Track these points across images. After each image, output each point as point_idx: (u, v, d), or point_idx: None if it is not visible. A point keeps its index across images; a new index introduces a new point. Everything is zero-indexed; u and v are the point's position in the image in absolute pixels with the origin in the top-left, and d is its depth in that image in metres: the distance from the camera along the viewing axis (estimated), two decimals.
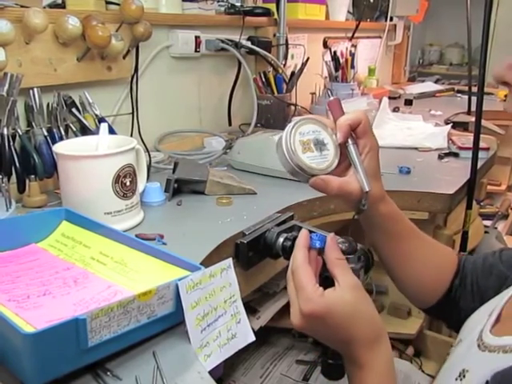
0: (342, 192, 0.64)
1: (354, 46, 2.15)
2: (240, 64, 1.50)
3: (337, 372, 0.69)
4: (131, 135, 1.17)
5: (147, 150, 1.14)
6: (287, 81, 1.58)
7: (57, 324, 0.48)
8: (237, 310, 0.63)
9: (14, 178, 0.92)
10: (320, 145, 0.64)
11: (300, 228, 0.78)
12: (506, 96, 0.61)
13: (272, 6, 1.67)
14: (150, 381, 0.52)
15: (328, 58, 1.91)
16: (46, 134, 0.97)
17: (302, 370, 1.11)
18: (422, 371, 1.12)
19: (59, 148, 0.83)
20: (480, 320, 0.58)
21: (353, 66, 1.91)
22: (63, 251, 0.72)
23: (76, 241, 0.74)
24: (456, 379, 0.52)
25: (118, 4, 1.14)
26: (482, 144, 1.29)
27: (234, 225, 0.85)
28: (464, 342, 0.59)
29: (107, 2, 1.16)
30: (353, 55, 1.92)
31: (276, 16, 1.67)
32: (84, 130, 1.04)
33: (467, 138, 1.44)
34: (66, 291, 0.61)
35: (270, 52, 1.59)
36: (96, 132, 0.95)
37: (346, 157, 0.66)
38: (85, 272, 0.66)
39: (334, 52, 1.90)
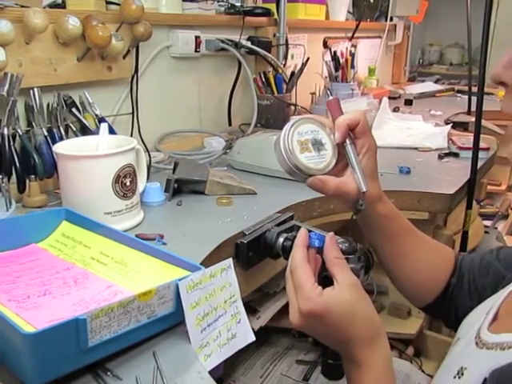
0: (340, 192, 0.64)
1: (354, 45, 2.15)
2: (240, 64, 1.50)
3: (337, 372, 0.69)
4: (131, 135, 1.17)
5: (147, 150, 1.14)
6: (287, 81, 1.58)
7: (57, 324, 0.48)
8: (237, 310, 0.63)
9: (14, 177, 0.92)
10: (318, 145, 0.64)
11: (300, 228, 0.78)
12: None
13: (272, 6, 1.67)
14: (150, 381, 0.52)
15: (328, 57, 1.91)
16: (46, 133, 0.97)
17: (302, 369, 1.11)
18: (422, 371, 1.12)
19: (59, 148, 0.83)
20: (477, 318, 0.59)
21: (353, 66, 1.91)
22: (63, 251, 0.72)
23: (76, 241, 0.74)
24: (454, 377, 0.52)
25: (118, 4, 1.14)
26: (482, 144, 1.29)
27: (234, 225, 0.85)
28: (462, 340, 0.59)
29: (107, 2, 1.16)
30: (353, 55, 1.92)
31: (276, 16, 1.67)
32: (84, 130, 1.04)
33: (467, 138, 1.44)
34: (66, 291, 0.61)
35: (269, 52, 1.60)
36: (96, 132, 0.95)
37: (343, 156, 0.66)
38: (85, 272, 0.66)
39: (334, 52, 1.90)
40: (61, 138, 0.99)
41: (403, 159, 1.34)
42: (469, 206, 1.22)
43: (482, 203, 2.26)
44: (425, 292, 0.76)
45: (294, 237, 0.63)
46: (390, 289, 1.26)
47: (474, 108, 1.55)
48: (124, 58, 1.17)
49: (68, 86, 1.06)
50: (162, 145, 1.33)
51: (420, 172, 1.23)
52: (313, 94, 1.83)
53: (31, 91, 0.96)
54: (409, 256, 0.73)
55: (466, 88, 2.38)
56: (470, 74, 2.15)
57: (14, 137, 0.92)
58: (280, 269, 0.93)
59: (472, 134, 1.23)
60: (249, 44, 1.53)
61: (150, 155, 1.11)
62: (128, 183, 0.83)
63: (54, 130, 0.99)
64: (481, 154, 1.25)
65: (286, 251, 0.78)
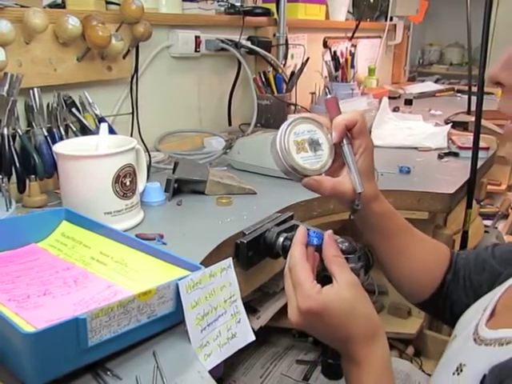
0: (336, 192, 0.64)
1: (354, 45, 2.15)
2: (240, 64, 1.50)
3: (337, 372, 0.69)
4: (131, 135, 1.17)
5: (147, 150, 1.14)
6: (287, 81, 1.58)
7: (57, 324, 0.48)
8: (237, 310, 0.63)
9: (14, 177, 0.92)
10: (315, 145, 0.64)
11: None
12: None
13: (272, 6, 1.67)
14: (150, 380, 0.52)
15: (328, 57, 1.91)
16: (46, 133, 0.97)
17: (302, 369, 1.11)
18: (423, 371, 1.12)
19: (59, 148, 0.83)
20: (475, 315, 0.59)
21: (353, 66, 1.91)
22: (63, 251, 0.72)
23: (76, 241, 0.74)
24: (453, 374, 0.52)
25: (118, 4, 1.14)
26: (481, 144, 1.29)
27: (234, 225, 0.85)
28: (459, 337, 0.59)
29: (107, 2, 1.16)
30: (353, 55, 1.92)
31: (276, 16, 1.67)
32: (84, 130, 1.04)
33: (467, 138, 1.44)
34: (66, 291, 0.61)
35: (269, 52, 1.60)
36: (96, 132, 0.95)
37: (340, 156, 0.65)
38: (85, 272, 0.66)
39: (334, 52, 1.90)
40: (61, 138, 0.99)
41: (403, 159, 1.34)
42: (469, 206, 1.22)
43: (482, 203, 2.26)
44: (421, 289, 0.76)
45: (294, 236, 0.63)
46: (390, 289, 1.26)
47: (473, 108, 1.54)
48: (124, 57, 1.17)
49: (68, 86, 1.06)
50: (161, 145, 1.33)
51: (420, 172, 1.23)
52: (313, 93, 1.83)
53: (31, 91, 0.96)
54: (405, 254, 0.73)
55: (466, 88, 2.38)
56: (470, 74, 2.15)
57: (13, 137, 0.92)
58: (280, 268, 0.93)
59: (472, 134, 1.23)
60: (249, 44, 1.53)
61: (149, 155, 1.11)
62: (128, 183, 0.83)
63: (54, 130, 0.99)
64: (481, 154, 1.25)
65: (286, 251, 0.78)
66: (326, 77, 1.92)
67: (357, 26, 2.23)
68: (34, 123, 0.96)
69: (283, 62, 1.68)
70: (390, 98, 2.09)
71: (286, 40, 1.69)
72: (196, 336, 0.57)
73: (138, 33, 1.14)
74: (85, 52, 1.06)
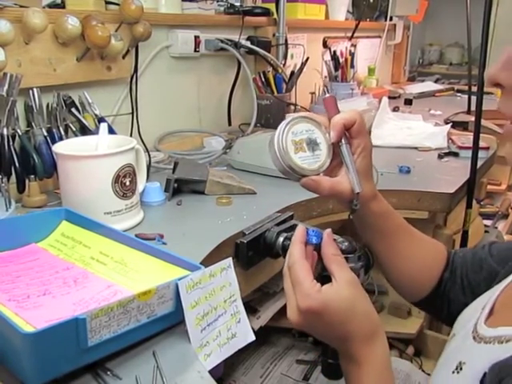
0: (334, 192, 0.64)
1: (354, 45, 2.15)
2: (239, 64, 1.50)
3: (337, 372, 0.69)
4: (131, 135, 1.17)
5: (147, 150, 1.14)
6: (287, 80, 1.58)
7: (56, 324, 0.48)
8: (237, 310, 0.63)
9: (13, 178, 0.92)
10: (313, 144, 0.64)
11: None
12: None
13: (271, 6, 1.67)
14: (150, 380, 0.52)
15: (328, 57, 1.91)
16: (45, 134, 0.97)
17: (302, 369, 1.11)
18: (423, 371, 1.12)
19: (59, 148, 0.83)
20: (473, 314, 0.59)
21: (352, 66, 1.91)
22: (63, 251, 0.72)
23: (76, 241, 0.74)
24: (453, 372, 0.52)
25: (117, 4, 1.14)
26: (481, 143, 1.29)
27: (234, 224, 0.85)
28: (458, 336, 0.59)
29: (107, 2, 1.16)
30: (352, 55, 1.92)
31: (275, 16, 1.67)
32: (84, 130, 1.04)
33: (467, 138, 1.44)
34: (66, 291, 0.61)
35: (269, 52, 1.59)
36: (96, 132, 0.95)
37: (338, 155, 0.65)
38: (85, 272, 0.66)
39: (334, 52, 1.90)
40: (60, 138, 0.99)
41: (403, 159, 1.34)
42: (469, 206, 1.22)
43: (482, 203, 2.26)
44: (418, 287, 0.76)
45: None
46: (390, 289, 1.25)
47: (473, 107, 1.54)
48: (123, 57, 1.17)
49: (67, 86, 1.06)
50: (161, 145, 1.33)
51: (420, 171, 1.23)
52: (312, 93, 1.83)
53: (31, 91, 0.96)
54: (403, 253, 0.73)
55: (466, 87, 2.38)
56: (470, 74, 2.15)
57: (13, 137, 0.92)
58: (280, 268, 0.92)
59: (472, 134, 1.23)
60: (248, 44, 1.53)
61: (149, 155, 1.11)
62: (128, 183, 0.83)
63: (54, 130, 0.99)
64: (480, 154, 1.25)
65: (286, 251, 0.77)
66: (325, 76, 1.92)
67: (356, 26, 2.23)
68: (33, 123, 0.96)
69: (283, 62, 1.68)
70: (389, 97, 2.09)
71: (286, 40, 1.69)
72: (196, 336, 0.57)
73: (137, 33, 1.14)
74: (84, 52, 1.06)
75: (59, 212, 0.78)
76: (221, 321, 0.61)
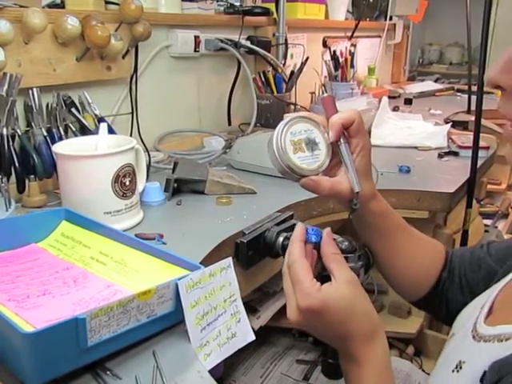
0: (334, 192, 0.64)
1: (354, 45, 2.15)
2: (239, 64, 1.50)
3: (337, 371, 0.69)
4: (131, 135, 1.17)
5: (147, 150, 1.14)
6: (287, 80, 1.58)
7: (56, 323, 0.48)
8: (236, 310, 0.63)
9: (13, 178, 0.92)
10: (312, 144, 0.64)
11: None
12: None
13: (271, 6, 1.67)
14: (150, 380, 0.52)
15: (327, 57, 1.91)
16: (45, 133, 0.97)
17: (302, 369, 1.11)
18: (423, 370, 1.12)
19: (59, 148, 0.83)
20: (472, 313, 0.59)
21: (352, 66, 1.91)
22: (63, 251, 0.72)
23: (76, 240, 0.74)
24: (453, 371, 0.52)
25: (117, 4, 1.13)
26: (481, 143, 1.29)
27: (234, 224, 0.85)
28: (457, 335, 0.59)
29: (106, 2, 1.16)
30: (352, 54, 1.92)
31: (275, 15, 1.67)
32: (83, 130, 1.04)
33: (467, 137, 1.44)
34: (66, 291, 0.61)
35: (269, 52, 1.59)
36: (95, 132, 0.95)
37: (337, 154, 0.65)
38: (84, 272, 0.66)
39: (334, 51, 1.90)
40: (60, 138, 0.99)
41: (403, 158, 1.34)
42: (469, 205, 1.22)
43: (482, 202, 2.26)
44: (417, 287, 0.76)
45: None
46: (390, 288, 1.25)
47: (473, 107, 1.54)
48: (123, 57, 1.17)
49: (67, 86, 1.06)
50: (161, 144, 1.33)
51: (420, 171, 1.23)
52: (312, 93, 1.83)
53: (30, 91, 0.96)
54: (401, 253, 0.73)
55: (466, 87, 2.38)
56: (470, 74, 2.15)
57: (13, 137, 0.92)
58: (280, 268, 0.92)
59: (472, 133, 1.23)
60: (248, 44, 1.53)
61: (149, 155, 1.11)
62: (127, 183, 0.83)
63: (54, 130, 0.99)
64: (480, 153, 1.25)
65: (286, 250, 0.78)
66: (325, 76, 1.92)
67: (356, 26, 2.23)
68: (33, 123, 0.96)
69: (283, 62, 1.68)
70: (389, 97, 2.09)
71: (286, 40, 1.69)
72: (196, 336, 0.57)
73: (137, 33, 1.14)
74: (84, 52, 1.06)
75: (59, 212, 0.78)
76: (221, 320, 0.61)
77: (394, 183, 1.11)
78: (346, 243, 0.66)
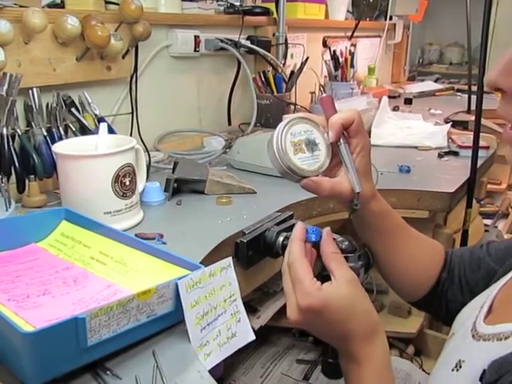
0: (334, 193, 0.64)
1: (354, 45, 2.15)
2: (239, 63, 1.50)
3: (337, 371, 0.69)
4: (131, 135, 1.17)
5: (147, 150, 1.14)
6: (287, 80, 1.58)
7: (56, 323, 0.48)
8: (237, 309, 0.63)
9: (13, 177, 0.92)
10: (312, 145, 0.63)
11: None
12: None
13: (271, 6, 1.67)
14: (150, 380, 0.52)
15: (327, 57, 1.91)
16: (45, 133, 0.97)
17: (302, 369, 1.11)
18: (423, 370, 1.12)
19: (59, 148, 0.83)
20: (472, 313, 0.59)
21: (352, 66, 1.91)
22: (63, 251, 0.72)
23: (76, 240, 0.74)
24: (452, 370, 0.52)
25: (117, 4, 1.13)
26: (481, 143, 1.29)
27: (234, 224, 0.85)
28: (457, 335, 0.59)
29: (106, 2, 1.16)
30: (352, 54, 1.92)
31: (275, 15, 1.67)
32: (83, 130, 1.04)
33: (467, 137, 1.44)
34: (66, 291, 0.61)
35: (269, 51, 1.59)
36: (95, 132, 0.95)
37: (337, 155, 0.65)
38: (84, 271, 0.66)
39: (334, 51, 1.90)
40: (60, 138, 0.99)
41: (403, 158, 1.34)
42: (469, 205, 1.22)
43: (482, 202, 2.26)
44: (416, 287, 0.76)
45: None
46: (391, 288, 1.26)
47: (473, 107, 1.54)
48: (123, 57, 1.17)
49: (67, 86, 1.06)
50: (161, 144, 1.33)
51: (420, 171, 1.23)
52: (312, 93, 1.83)
53: (30, 91, 0.96)
54: (401, 253, 0.73)
55: (466, 87, 2.38)
56: (470, 73, 2.15)
57: (13, 137, 0.92)
58: (280, 268, 0.92)
59: (472, 133, 1.23)
60: (248, 43, 1.53)
61: (149, 155, 1.11)
62: (127, 183, 0.83)
63: (54, 130, 0.99)
64: (480, 153, 1.25)
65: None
66: (325, 76, 1.92)
67: (356, 26, 2.23)
68: (33, 123, 0.96)
69: (283, 62, 1.68)
70: (389, 97, 2.09)
71: (286, 39, 1.69)
72: (196, 335, 0.57)
73: (137, 32, 1.14)
74: (84, 52, 1.06)
75: (59, 212, 0.78)
76: (221, 320, 0.61)
77: (393, 183, 1.11)
78: (346, 243, 0.66)
